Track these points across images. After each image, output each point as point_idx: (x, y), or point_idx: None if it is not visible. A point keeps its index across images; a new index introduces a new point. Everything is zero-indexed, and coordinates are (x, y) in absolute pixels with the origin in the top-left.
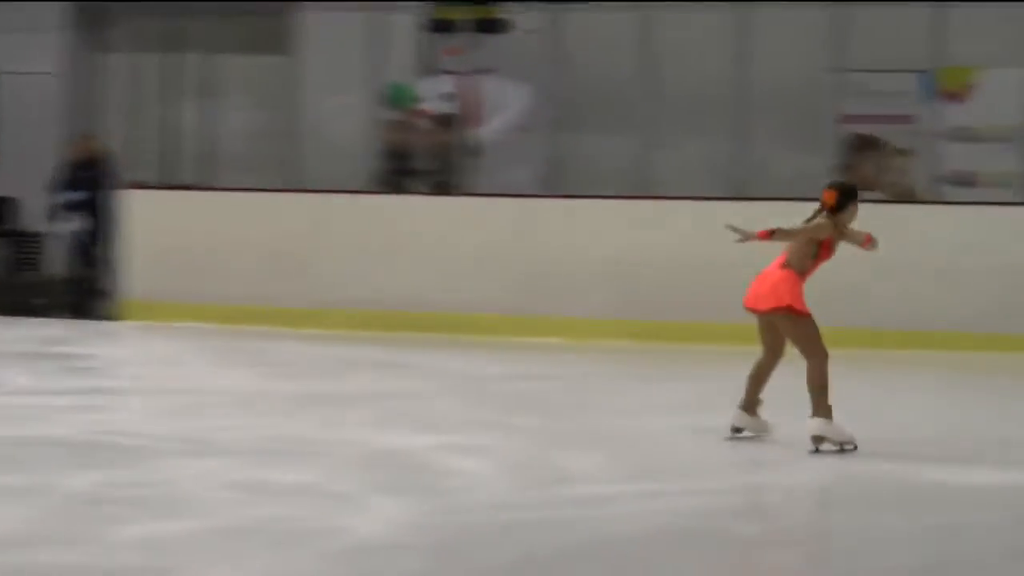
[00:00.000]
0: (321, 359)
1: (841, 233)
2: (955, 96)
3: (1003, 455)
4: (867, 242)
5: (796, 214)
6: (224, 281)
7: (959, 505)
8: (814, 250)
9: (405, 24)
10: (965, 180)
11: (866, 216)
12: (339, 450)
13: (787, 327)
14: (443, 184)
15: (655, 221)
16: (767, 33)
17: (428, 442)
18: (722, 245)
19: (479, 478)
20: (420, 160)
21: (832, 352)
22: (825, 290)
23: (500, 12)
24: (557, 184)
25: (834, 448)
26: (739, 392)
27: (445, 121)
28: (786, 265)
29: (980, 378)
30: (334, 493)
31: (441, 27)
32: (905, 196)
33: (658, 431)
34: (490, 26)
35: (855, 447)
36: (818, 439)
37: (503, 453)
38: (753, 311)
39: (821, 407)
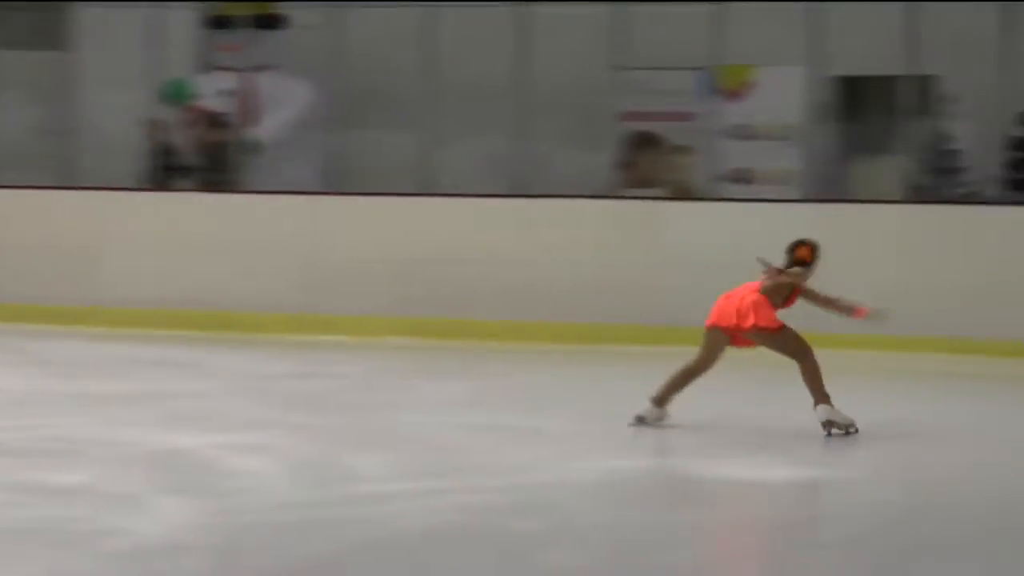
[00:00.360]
0: (102, 358)
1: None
2: (733, 94)
3: (785, 449)
4: (856, 314)
5: (577, 211)
6: (1, 280)
7: (741, 501)
8: (786, 293)
9: (184, 20)
10: (743, 177)
11: (646, 213)
12: (120, 450)
13: (772, 341)
14: (214, 182)
15: (437, 219)
16: (547, 31)
17: (211, 441)
18: (503, 242)
19: (263, 478)
20: (191, 157)
21: (602, 348)
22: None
23: (278, 8)
24: (339, 181)
25: (840, 432)
26: (520, 389)
27: (216, 119)
28: (763, 291)
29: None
30: (114, 494)
31: (219, 23)
32: (684, 193)
33: (440, 429)
34: (268, 22)
35: (857, 430)
36: (828, 424)
37: (287, 452)
38: (717, 327)
39: (821, 396)
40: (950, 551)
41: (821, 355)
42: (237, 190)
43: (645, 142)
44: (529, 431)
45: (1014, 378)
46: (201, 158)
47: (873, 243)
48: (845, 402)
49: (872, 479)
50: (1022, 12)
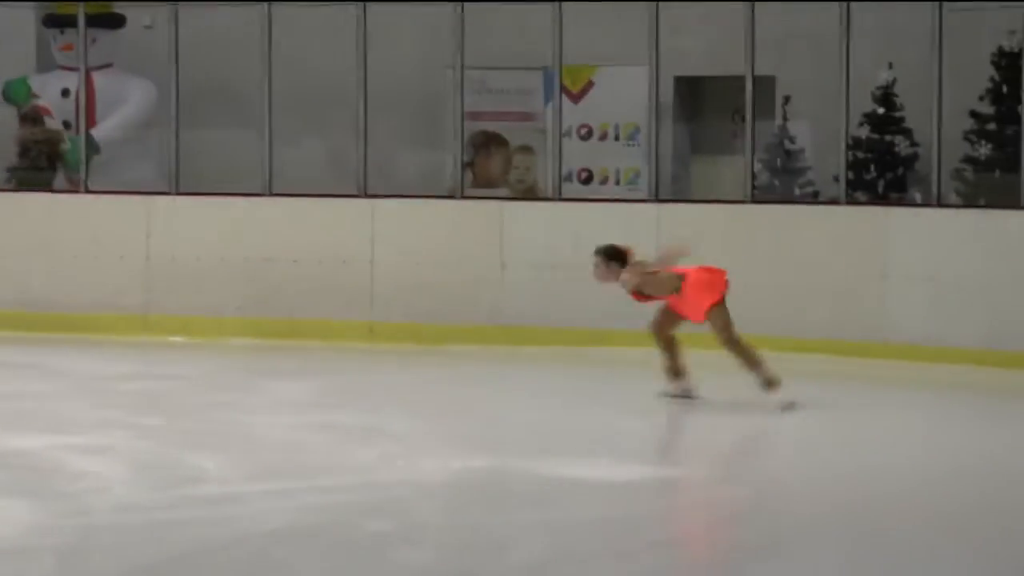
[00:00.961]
0: None
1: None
2: (576, 94)
3: (629, 449)
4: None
5: (419, 211)
6: None
7: (582, 500)
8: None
9: (23, 19)
10: (586, 177)
11: (490, 213)
12: None
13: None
14: (29, 181)
15: (278, 218)
16: (389, 30)
17: (53, 443)
18: (344, 242)
19: (106, 479)
20: (11, 156)
21: (445, 349)
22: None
23: (116, 8)
24: (179, 181)
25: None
26: (363, 389)
27: (33, 116)
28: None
29: (596, 373)
30: None
31: (58, 22)
32: (528, 193)
33: (284, 429)
34: (107, 21)
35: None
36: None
37: (130, 454)
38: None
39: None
40: (796, 549)
41: None
42: (70, 190)
43: (488, 142)
44: (373, 431)
45: (859, 378)
46: (25, 156)
47: (713, 242)
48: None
49: (713, 478)
50: (863, 11)
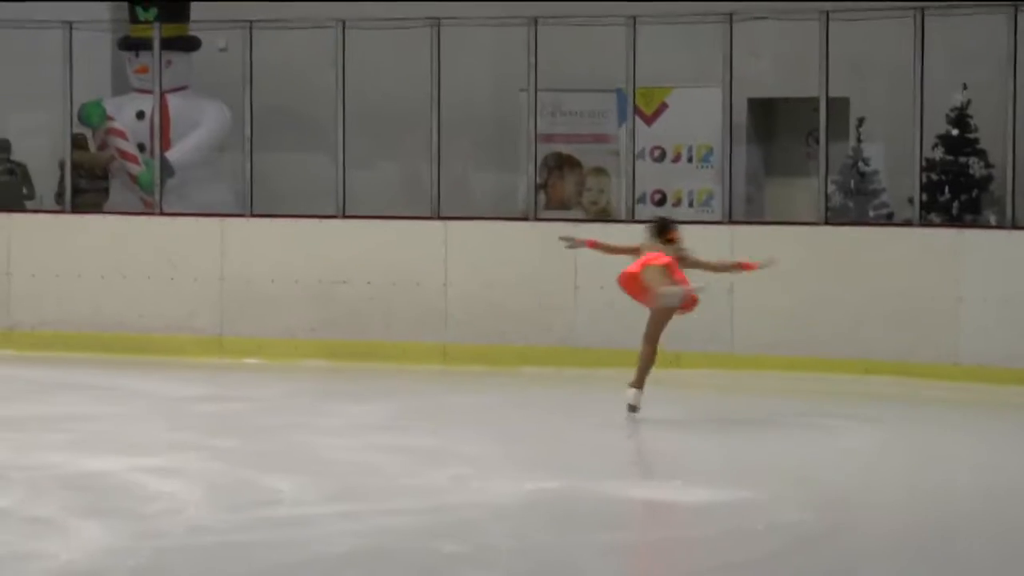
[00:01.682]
0: (12, 381)
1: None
2: (649, 115)
3: (698, 471)
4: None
5: (494, 233)
6: None
7: (662, 522)
8: None
9: (99, 42)
10: (660, 198)
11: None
12: (37, 474)
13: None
14: (82, 203)
15: (352, 240)
16: (462, 52)
17: (128, 465)
18: (418, 264)
19: (180, 501)
20: (95, 179)
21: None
22: (521, 310)
23: (191, 30)
24: (254, 203)
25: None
26: (436, 411)
27: (77, 142)
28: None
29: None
30: (32, 517)
31: (133, 45)
32: (602, 215)
33: (358, 451)
34: (181, 44)
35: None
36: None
37: (204, 475)
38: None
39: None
40: (861, 571)
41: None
42: (145, 212)
43: (561, 164)
44: (445, 453)
45: (932, 400)
46: (100, 180)
47: (789, 264)
48: (759, 422)
49: (784, 500)
50: (937, 33)
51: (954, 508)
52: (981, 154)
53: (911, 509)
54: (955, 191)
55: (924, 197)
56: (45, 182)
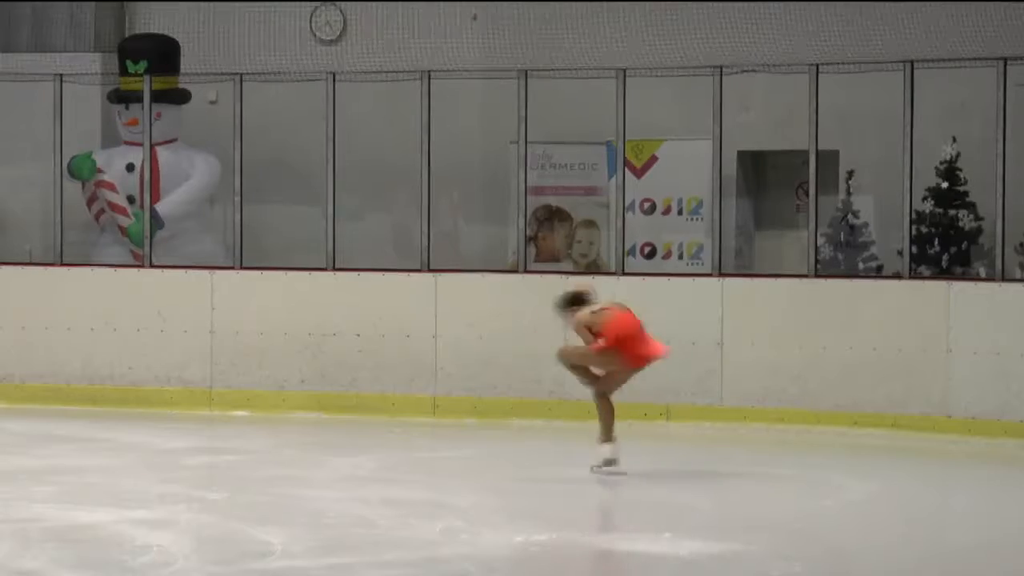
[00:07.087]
0: (0, 434)
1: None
2: (639, 168)
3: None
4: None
5: (483, 285)
6: None
7: (643, 574)
8: None
9: (89, 94)
10: (649, 251)
11: (553, 288)
12: (26, 526)
13: None
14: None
15: (342, 293)
16: (452, 105)
17: (118, 517)
18: (408, 316)
19: (170, 553)
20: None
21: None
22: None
23: (181, 83)
24: (243, 255)
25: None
26: (427, 463)
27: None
28: None
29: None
30: (21, 571)
31: (123, 98)
32: (591, 267)
33: (348, 503)
34: (171, 97)
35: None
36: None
37: (194, 528)
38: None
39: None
40: None
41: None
42: (134, 264)
43: (551, 216)
44: (436, 505)
45: (922, 453)
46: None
47: (778, 316)
48: (749, 475)
49: (775, 553)
50: (927, 86)
51: (946, 561)
52: (970, 207)
53: (902, 562)
54: (945, 244)
55: (914, 249)
56: (36, 235)
